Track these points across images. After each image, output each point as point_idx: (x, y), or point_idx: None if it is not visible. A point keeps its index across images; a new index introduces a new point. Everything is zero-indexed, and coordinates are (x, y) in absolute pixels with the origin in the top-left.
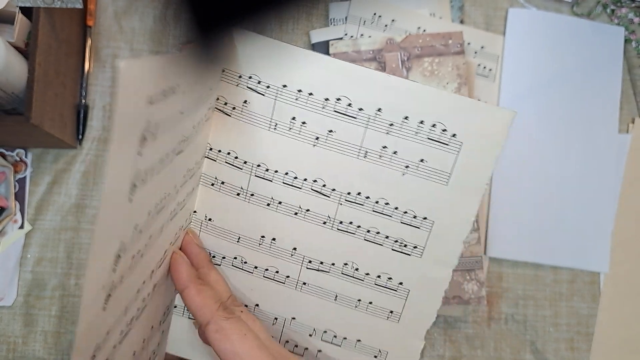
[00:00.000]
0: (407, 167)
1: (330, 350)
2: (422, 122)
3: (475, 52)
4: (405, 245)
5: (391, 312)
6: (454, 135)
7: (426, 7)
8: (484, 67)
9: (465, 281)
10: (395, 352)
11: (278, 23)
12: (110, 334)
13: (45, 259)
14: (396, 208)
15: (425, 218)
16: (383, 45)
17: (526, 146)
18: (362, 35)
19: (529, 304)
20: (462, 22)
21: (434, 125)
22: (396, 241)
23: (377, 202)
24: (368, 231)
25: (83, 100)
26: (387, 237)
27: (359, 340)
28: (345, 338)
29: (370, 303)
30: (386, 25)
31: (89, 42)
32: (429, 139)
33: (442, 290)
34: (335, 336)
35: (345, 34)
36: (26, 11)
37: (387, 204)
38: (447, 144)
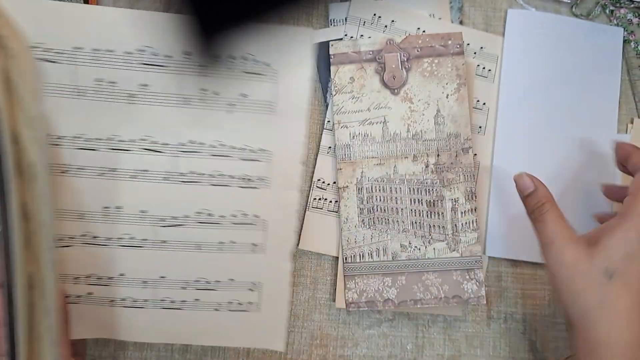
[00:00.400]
0: (230, 104)
1: (207, 296)
2: (231, 56)
3: (475, 53)
4: (251, 180)
5: (255, 244)
6: (267, 65)
7: (425, 8)
8: (483, 68)
9: (465, 281)
10: (268, 281)
11: (278, 24)
12: None
13: None
14: (232, 147)
15: (262, 150)
16: (383, 45)
17: (525, 146)
18: (362, 35)
19: (528, 304)
20: (461, 22)
21: (244, 57)
22: (242, 178)
23: (212, 146)
24: (212, 176)
25: None
26: (231, 176)
27: (232, 280)
28: (218, 281)
29: (233, 242)
30: (386, 26)
31: None
32: (244, 72)
33: (294, 211)
34: (207, 282)
35: (345, 35)
36: None
37: (222, 145)
38: (264, 74)
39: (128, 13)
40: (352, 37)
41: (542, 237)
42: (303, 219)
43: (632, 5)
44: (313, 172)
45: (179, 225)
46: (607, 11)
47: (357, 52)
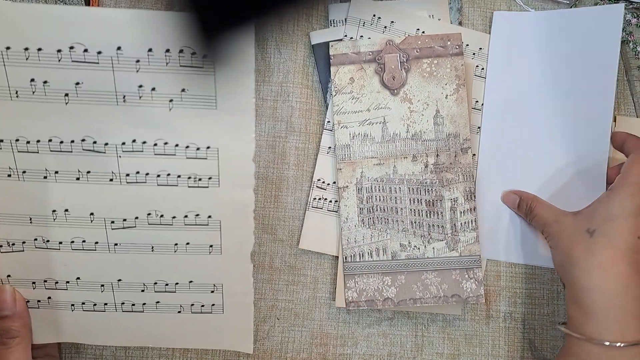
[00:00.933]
0: (171, 100)
1: (168, 298)
2: (167, 50)
3: (474, 54)
4: (200, 179)
5: (211, 246)
6: (204, 57)
7: (425, 8)
8: (482, 69)
9: (464, 280)
10: (229, 282)
11: (278, 24)
12: None
13: None
14: (177, 145)
15: (208, 147)
16: (382, 46)
17: (517, 148)
18: (361, 36)
19: (527, 302)
20: (460, 23)
21: (181, 51)
22: (189, 177)
23: (155, 145)
24: (158, 176)
25: None
26: (179, 176)
27: (191, 282)
28: (177, 283)
29: (188, 244)
30: (385, 27)
31: None
32: (181, 66)
33: (250, 211)
34: (166, 284)
35: (345, 35)
36: None
37: (166, 143)
38: (201, 67)
39: (52, 9)
40: (351, 37)
41: (539, 225)
42: (303, 219)
43: (631, 6)
44: (313, 172)
45: (130, 227)
46: None
47: (356, 53)
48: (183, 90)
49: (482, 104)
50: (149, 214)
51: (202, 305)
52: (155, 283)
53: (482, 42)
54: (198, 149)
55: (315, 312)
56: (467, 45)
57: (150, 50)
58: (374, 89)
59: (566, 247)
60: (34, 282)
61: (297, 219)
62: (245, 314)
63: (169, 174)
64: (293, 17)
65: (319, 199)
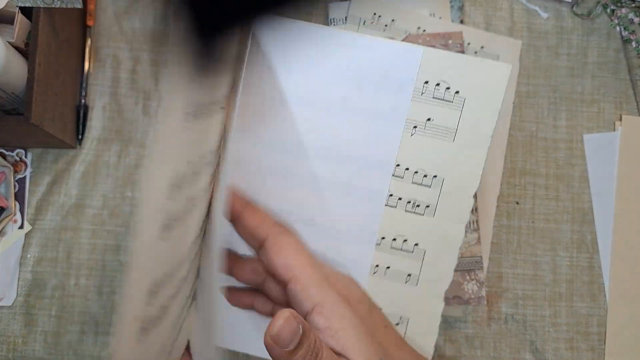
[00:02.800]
0: (415, 127)
1: None
2: (426, 82)
3: (475, 52)
4: (418, 206)
5: (409, 275)
6: (457, 92)
7: (426, 7)
8: None
9: (465, 281)
10: (416, 317)
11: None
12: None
13: (45, 259)
14: (407, 169)
15: (435, 176)
16: None
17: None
18: None
19: (529, 304)
20: (462, 22)
21: (438, 85)
22: (409, 202)
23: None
24: (390, 195)
25: (83, 101)
26: (400, 198)
27: (380, 309)
28: None
29: (388, 268)
30: (386, 26)
31: (89, 42)
32: (433, 97)
33: (457, 248)
34: None
35: None
36: (26, 11)
37: (398, 165)
38: (451, 102)
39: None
40: None
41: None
42: None
43: (633, 5)
44: None
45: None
46: (608, 11)
47: None
48: (429, 119)
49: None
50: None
51: None
52: None
53: (484, 40)
54: (425, 176)
55: None
56: (469, 44)
57: (426, 82)
58: None
59: None
60: None
61: None
62: (425, 354)
63: (391, 195)
64: (293, 16)
65: None
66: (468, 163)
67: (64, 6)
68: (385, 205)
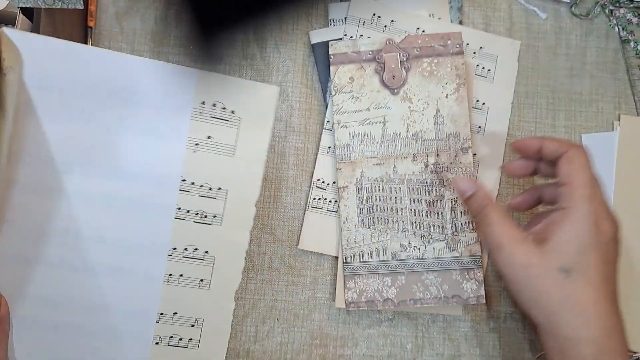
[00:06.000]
0: (197, 144)
1: (149, 328)
2: (203, 102)
3: (474, 53)
4: (205, 216)
5: (201, 280)
6: (232, 112)
7: (425, 8)
8: (483, 68)
9: (465, 280)
10: (210, 318)
11: (278, 24)
12: None
13: None
14: (192, 183)
15: (220, 188)
16: (382, 45)
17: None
18: (361, 35)
19: None
20: (460, 22)
21: (214, 105)
22: (197, 213)
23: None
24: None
25: None
26: (188, 211)
27: (175, 313)
28: (161, 314)
29: (181, 275)
30: (385, 26)
31: (90, 42)
32: (212, 117)
33: (243, 252)
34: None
35: (345, 35)
36: (27, 12)
37: (184, 180)
38: (228, 120)
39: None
40: (351, 37)
41: (489, 240)
42: (303, 219)
43: (632, 5)
44: (313, 172)
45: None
46: (607, 11)
47: (356, 52)
48: (209, 137)
49: (484, 103)
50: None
51: (180, 339)
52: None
53: (483, 41)
54: (210, 188)
55: (315, 313)
56: (468, 44)
57: (202, 103)
58: (374, 88)
59: (535, 289)
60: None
61: (296, 219)
62: (219, 352)
63: (179, 208)
64: (292, 16)
65: (319, 199)
66: (248, 175)
67: (65, 7)
68: (175, 218)
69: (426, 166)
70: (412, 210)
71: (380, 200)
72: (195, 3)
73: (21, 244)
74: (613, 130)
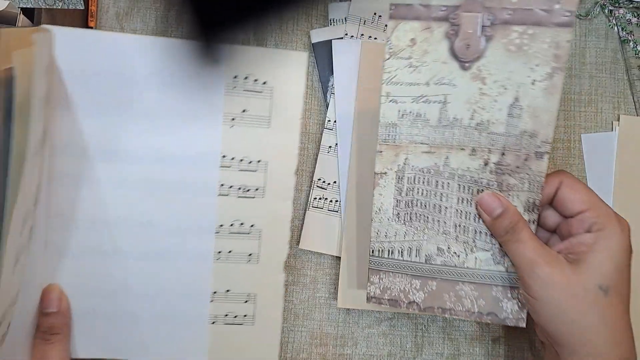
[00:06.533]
0: (233, 119)
1: (204, 308)
2: (235, 76)
3: None
4: (248, 190)
5: (250, 254)
6: (264, 83)
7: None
8: None
9: (505, 299)
10: (262, 292)
11: (278, 24)
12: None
13: None
14: (232, 158)
15: (259, 161)
16: (462, 1)
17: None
18: (362, 35)
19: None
20: None
21: (246, 78)
22: (239, 188)
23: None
24: (221, 185)
25: None
26: (230, 186)
27: (228, 291)
28: (215, 292)
29: (230, 252)
30: (386, 25)
31: None
32: (245, 90)
33: (288, 222)
34: (212, 293)
35: (346, 34)
36: (28, 12)
37: (224, 156)
38: (261, 92)
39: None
40: (352, 36)
41: (522, 260)
42: (303, 219)
43: (631, 5)
44: (313, 172)
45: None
46: (606, 11)
47: (426, 5)
48: (244, 110)
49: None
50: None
51: (235, 316)
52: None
53: None
54: (250, 162)
55: (315, 313)
56: None
57: (235, 77)
58: (440, 57)
59: (573, 308)
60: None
61: (297, 219)
62: (274, 326)
63: (222, 185)
64: (292, 16)
65: (320, 198)
66: (285, 144)
67: (66, 7)
68: (219, 195)
69: (486, 164)
70: (459, 211)
71: (422, 194)
72: (196, 3)
73: (73, 236)
74: (612, 130)
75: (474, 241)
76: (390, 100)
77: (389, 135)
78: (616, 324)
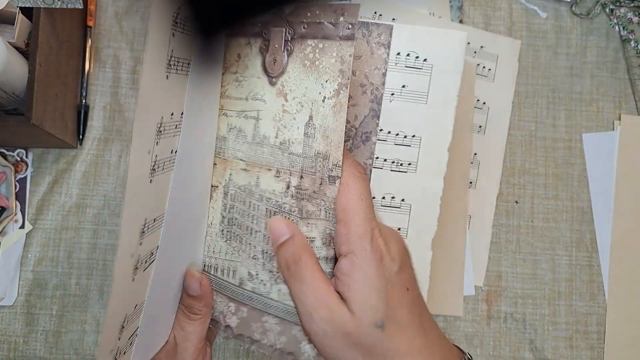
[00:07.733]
0: (392, 94)
1: None
2: (398, 53)
3: (475, 52)
4: (401, 164)
5: (399, 229)
6: (425, 60)
7: (426, 6)
8: (483, 67)
9: (304, 341)
10: None
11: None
12: (137, 307)
13: (46, 259)
14: (389, 132)
15: (414, 136)
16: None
17: None
18: None
19: (528, 303)
20: (461, 21)
21: (408, 55)
22: (393, 162)
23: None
24: (370, 159)
25: (83, 101)
26: (385, 160)
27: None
28: None
29: None
30: None
31: (89, 42)
32: (406, 66)
33: (438, 199)
34: None
35: None
36: (27, 11)
37: (381, 130)
38: (421, 68)
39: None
40: None
41: (299, 303)
42: None
43: (632, 4)
44: None
45: None
46: (607, 10)
47: (251, 20)
48: (403, 86)
49: (484, 103)
50: None
51: None
52: None
53: (483, 40)
54: (405, 137)
55: None
56: (469, 43)
57: (398, 54)
58: (256, 72)
59: (358, 352)
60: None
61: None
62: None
63: (377, 157)
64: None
65: None
66: (440, 121)
67: (65, 6)
68: (374, 167)
69: (288, 188)
70: (266, 237)
71: (239, 214)
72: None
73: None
74: (613, 129)
75: (277, 272)
76: (222, 114)
77: (220, 148)
78: (401, 356)
